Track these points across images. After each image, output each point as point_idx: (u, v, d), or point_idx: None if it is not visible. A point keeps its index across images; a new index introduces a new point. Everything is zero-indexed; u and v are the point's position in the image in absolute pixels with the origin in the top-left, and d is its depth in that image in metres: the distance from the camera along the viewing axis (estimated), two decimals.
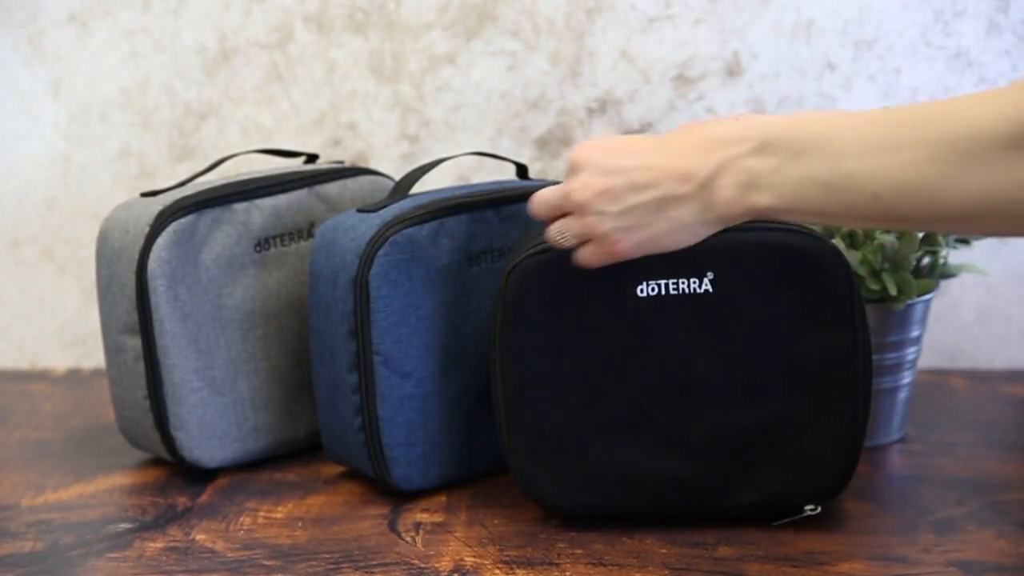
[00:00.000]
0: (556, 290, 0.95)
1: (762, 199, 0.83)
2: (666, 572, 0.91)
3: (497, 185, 1.10)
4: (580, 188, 0.88)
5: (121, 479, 1.11)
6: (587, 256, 0.91)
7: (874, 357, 1.00)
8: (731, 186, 0.83)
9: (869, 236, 1.11)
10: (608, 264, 0.90)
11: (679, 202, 0.86)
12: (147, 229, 1.06)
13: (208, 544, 0.97)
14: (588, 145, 0.89)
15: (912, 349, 1.15)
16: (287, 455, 1.14)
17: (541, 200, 0.92)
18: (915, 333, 1.14)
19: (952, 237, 1.13)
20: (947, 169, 0.75)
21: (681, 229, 0.87)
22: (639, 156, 0.87)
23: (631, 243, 0.88)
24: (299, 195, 1.13)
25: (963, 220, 0.77)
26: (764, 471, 0.97)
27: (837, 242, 1.12)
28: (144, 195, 1.11)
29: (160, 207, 1.07)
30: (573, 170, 0.89)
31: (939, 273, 1.15)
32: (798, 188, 0.81)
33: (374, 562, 0.93)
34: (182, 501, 1.05)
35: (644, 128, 1.37)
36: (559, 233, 0.91)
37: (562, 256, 0.93)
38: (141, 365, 1.07)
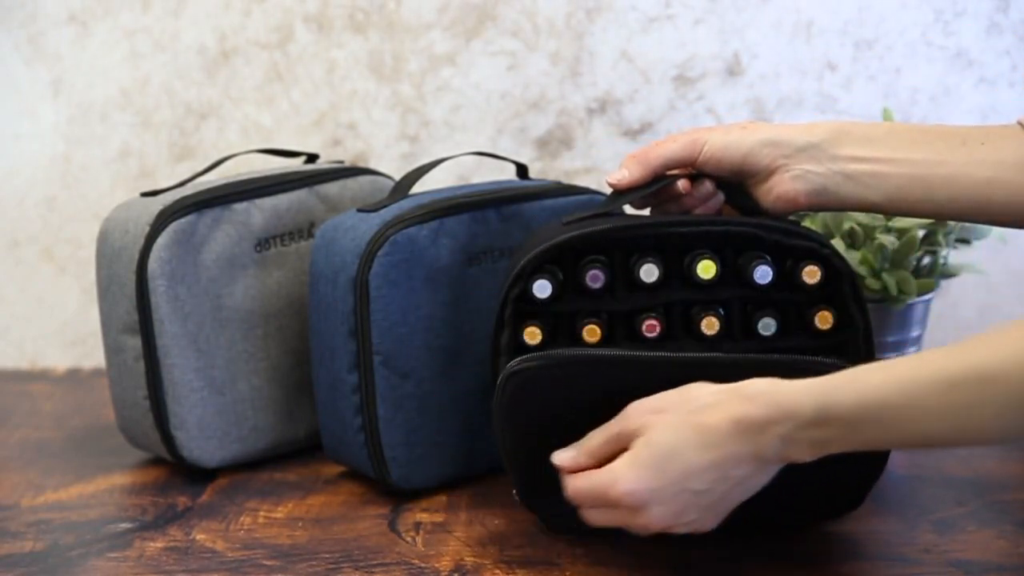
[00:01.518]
0: (555, 405, 0.92)
1: (830, 450, 0.81)
2: (666, 572, 0.91)
3: (497, 185, 1.10)
4: (646, 517, 0.83)
5: (121, 479, 1.11)
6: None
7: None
8: (792, 450, 0.81)
9: (869, 236, 1.11)
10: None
11: (740, 469, 0.82)
12: (147, 229, 1.06)
13: (208, 544, 0.97)
14: (630, 478, 0.83)
15: (912, 349, 1.15)
16: (287, 455, 1.14)
17: (586, 494, 0.86)
18: (915, 333, 1.14)
19: (952, 237, 1.13)
20: (1008, 423, 0.75)
21: (746, 489, 0.84)
22: (677, 460, 0.82)
23: (712, 524, 0.85)
24: (299, 195, 1.13)
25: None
26: None
27: (837, 242, 1.12)
28: (144, 195, 1.11)
29: (160, 207, 1.07)
30: (624, 506, 0.83)
31: (939, 273, 1.15)
32: (858, 445, 0.80)
33: (374, 562, 0.93)
34: (182, 501, 1.05)
35: (644, 128, 1.37)
36: (599, 521, 0.87)
37: (561, 370, 0.90)
38: (141, 365, 1.07)
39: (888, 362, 0.79)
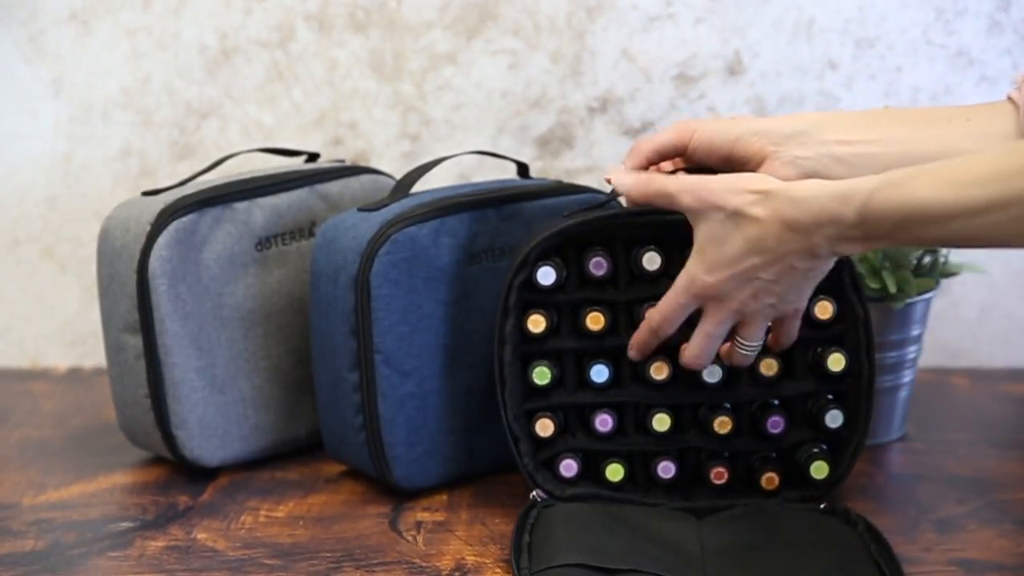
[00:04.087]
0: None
1: (879, 244, 0.85)
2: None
3: (498, 184, 1.10)
4: (728, 302, 0.90)
5: (122, 478, 1.11)
6: (790, 334, 0.95)
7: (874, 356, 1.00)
8: (841, 246, 0.86)
9: None
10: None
11: (801, 263, 0.88)
12: (148, 228, 1.06)
13: (209, 543, 0.97)
14: (700, 274, 0.90)
15: (913, 348, 1.15)
16: (288, 454, 1.14)
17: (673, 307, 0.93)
18: (916, 332, 1.14)
19: None
20: None
21: (815, 277, 0.90)
22: (742, 259, 0.88)
23: (801, 303, 0.91)
24: (300, 194, 1.13)
25: None
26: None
27: None
28: (145, 194, 1.11)
29: (161, 206, 1.07)
30: (704, 298, 0.91)
31: (939, 272, 1.15)
32: (910, 239, 0.84)
33: (375, 561, 0.93)
34: (183, 500, 1.06)
35: (645, 127, 1.37)
36: (744, 353, 0.93)
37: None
38: (142, 364, 1.07)
39: (929, 166, 0.82)
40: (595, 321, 0.97)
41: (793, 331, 0.95)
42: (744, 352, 0.93)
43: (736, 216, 0.88)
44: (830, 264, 0.89)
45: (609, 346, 0.98)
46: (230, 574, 0.92)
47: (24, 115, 1.40)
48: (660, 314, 0.93)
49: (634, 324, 0.97)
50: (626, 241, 0.98)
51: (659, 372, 0.97)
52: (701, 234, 0.90)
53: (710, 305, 0.91)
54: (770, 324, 0.94)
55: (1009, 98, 0.92)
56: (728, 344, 0.94)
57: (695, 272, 0.90)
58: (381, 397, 1.02)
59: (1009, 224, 0.77)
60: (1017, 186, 0.77)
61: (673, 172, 0.99)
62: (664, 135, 0.98)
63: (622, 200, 1.00)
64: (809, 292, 0.91)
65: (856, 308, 0.97)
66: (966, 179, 0.78)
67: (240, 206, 1.10)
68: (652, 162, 0.99)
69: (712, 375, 0.97)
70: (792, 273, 0.88)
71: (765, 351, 0.98)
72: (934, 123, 0.93)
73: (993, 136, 0.91)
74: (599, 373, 0.98)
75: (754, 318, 0.91)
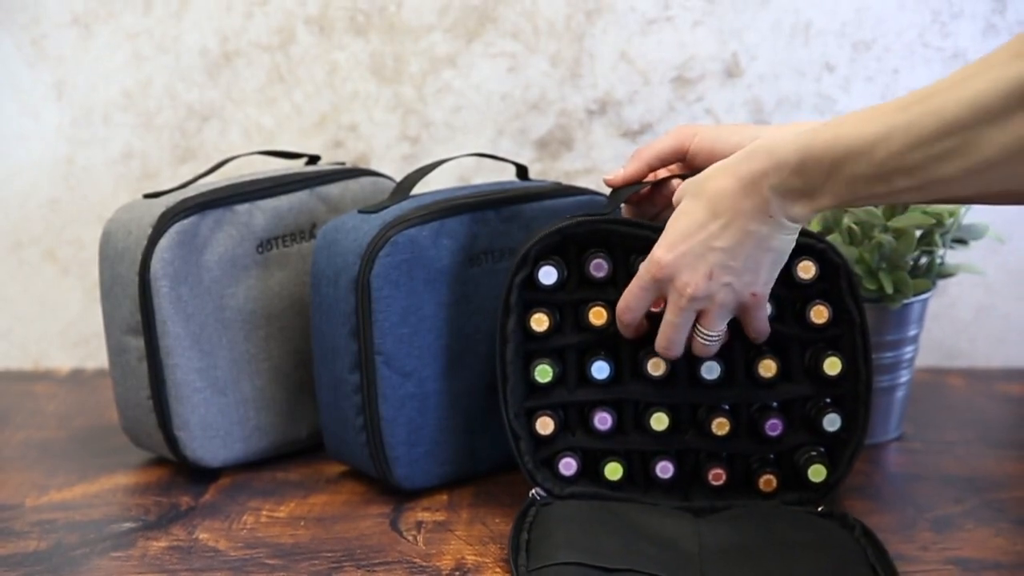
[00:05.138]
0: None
1: (822, 203, 0.85)
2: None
3: (498, 186, 1.10)
4: (683, 285, 0.91)
5: (124, 479, 1.11)
6: (758, 327, 0.95)
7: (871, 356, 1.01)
8: (788, 205, 0.86)
9: (867, 235, 1.12)
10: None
11: (754, 225, 0.88)
12: (150, 230, 1.06)
13: (211, 543, 0.98)
14: (658, 253, 0.91)
15: (909, 348, 1.15)
16: (289, 455, 1.14)
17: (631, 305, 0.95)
18: (912, 332, 1.15)
19: (949, 237, 1.13)
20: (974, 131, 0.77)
21: (770, 248, 0.89)
22: (699, 229, 0.89)
23: (759, 285, 0.91)
24: (301, 196, 1.13)
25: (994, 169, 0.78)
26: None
27: (836, 238, 1.13)
28: (147, 196, 1.11)
29: (163, 208, 1.07)
30: (661, 280, 0.92)
31: (936, 273, 1.15)
32: (848, 189, 0.83)
33: (376, 561, 0.94)
34: (185, 500, 1.06)
35: (643, 129, 1.38)
36: (704, 343, 0.94)
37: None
38: (144, 365, 1.08)
39: (863, 110, 0.83)
40: (598, 316, 0.98)
41: (760, 323, 0.94)
42: (703, 342, 0.94)
43: (701, 184, 0.89)
44: (787, 241, 0.89)
45: (610, 342, 0.99)
46: (232, 574, 0.92)
47: (26, 118, 1.40)
48: (624, 301, 0.94)
49: None
50: (625, 246, 0.98)
51: (656, 368, 0.98)
52: (670, 218, 0.91)
53: (669, 292, 0.92)
54: (737, 317, 0.94)
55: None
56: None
57: (655, 253, 0.91)
58: (382, 398, 1.02)
59: (939, 154, 0.77)
60: (938, 103, 0.77)
61: (671, 178, 0.99)
62: (664, 141, 0.98)
63: (622, 208, 1.01)
64: (768, 275, 0.91)
65: (852, 313, 0.97)
66: (889, 108, 0.80)
67: (241, 208, 1.10)
68: (653, 168, 0.99)
69: (711, 372, 0.98)
70: (747, 239, 0.88)
71: (763, 352, 0.98)
72: None
73: None
74: (600, 370, 0.98)
75: (712, 306, 0.91)
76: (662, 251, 0.91)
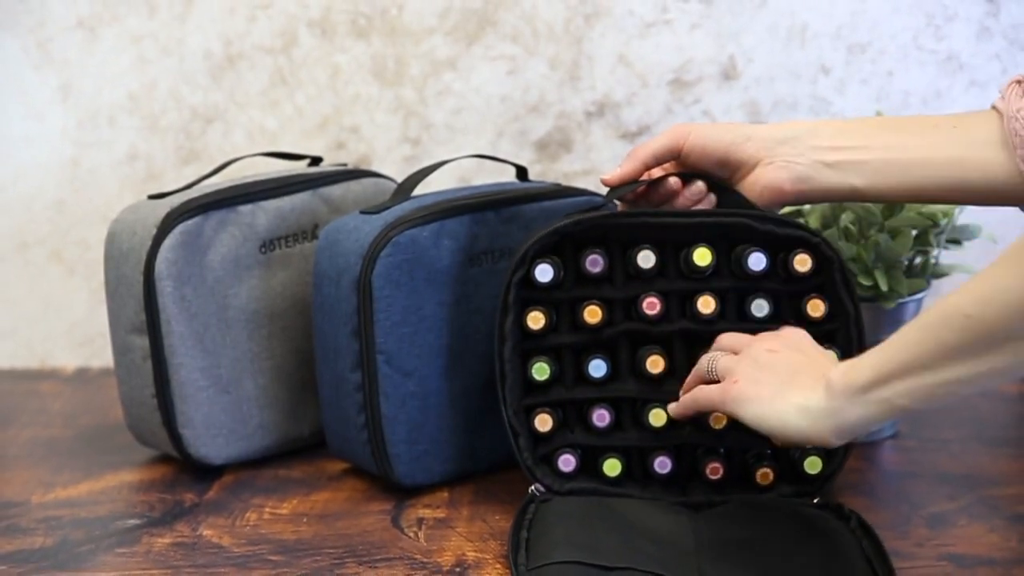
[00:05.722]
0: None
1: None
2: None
3: (498, 187, 1.11)
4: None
5: (129, 476, 1.12)
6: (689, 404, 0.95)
7: None
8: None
9: (864, 233, 1.12)
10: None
11: (804, 380, 0.87)
12: (154, 231, 1.06)
13: (215, 539, 0.98)
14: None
15: None
16: (292, 452, 1.15)
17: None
18: None
19: (944, 237, 1.14)
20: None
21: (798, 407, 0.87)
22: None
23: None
24: (303, 197, 1.14)
25: None
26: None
27: (833, 232, 1.13)
28: (151, 197, 1.12)
29: (167, 209, 1.07)
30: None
31: (930, 273, 1.16)
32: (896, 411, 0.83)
33: (377, 557, 0.94)
34: (189, 497, 1.06)
35: (641, 131, 1.39)
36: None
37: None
38: (149, 364, 1.08)
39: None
40: (592, 315, 0.98)
41: (698, 402, 0.94)
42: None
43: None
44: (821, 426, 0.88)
45: (606, 340, 1.00)
46: (235, 570, 0.93)
47: (32, 120, 1.41)
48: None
49: (631, 317, 0.99)
50: (621, 240, 0.99)
51: (655, 366, 0.99)
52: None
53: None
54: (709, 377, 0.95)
55: (994, 107, 0.93)
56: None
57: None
58: (383, 396, 1.03)
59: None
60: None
61: (666, 176, 1.00)
62: (659, 140, 0.99)
63: (617, 204, 1.02)
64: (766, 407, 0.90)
65: (847, 305, 0.98)
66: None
67: (244, 209, 1.11)
68: (648, 167, 1.00)
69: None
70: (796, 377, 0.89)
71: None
72: (922, 130, 0.95)
73: (978, 143, 0.92)
74: (597, 368, 0.99)
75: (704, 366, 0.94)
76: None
